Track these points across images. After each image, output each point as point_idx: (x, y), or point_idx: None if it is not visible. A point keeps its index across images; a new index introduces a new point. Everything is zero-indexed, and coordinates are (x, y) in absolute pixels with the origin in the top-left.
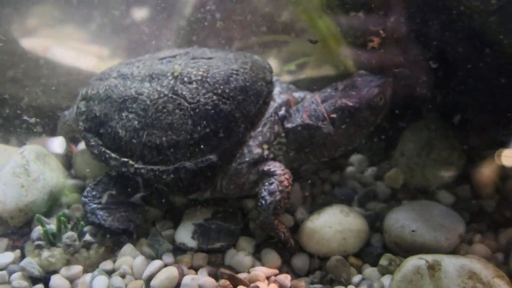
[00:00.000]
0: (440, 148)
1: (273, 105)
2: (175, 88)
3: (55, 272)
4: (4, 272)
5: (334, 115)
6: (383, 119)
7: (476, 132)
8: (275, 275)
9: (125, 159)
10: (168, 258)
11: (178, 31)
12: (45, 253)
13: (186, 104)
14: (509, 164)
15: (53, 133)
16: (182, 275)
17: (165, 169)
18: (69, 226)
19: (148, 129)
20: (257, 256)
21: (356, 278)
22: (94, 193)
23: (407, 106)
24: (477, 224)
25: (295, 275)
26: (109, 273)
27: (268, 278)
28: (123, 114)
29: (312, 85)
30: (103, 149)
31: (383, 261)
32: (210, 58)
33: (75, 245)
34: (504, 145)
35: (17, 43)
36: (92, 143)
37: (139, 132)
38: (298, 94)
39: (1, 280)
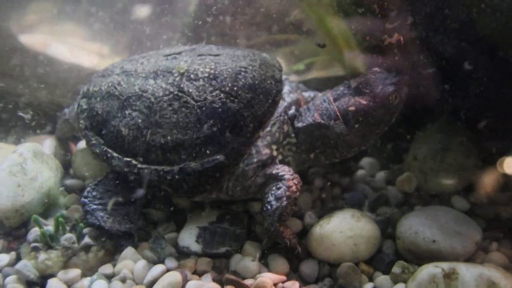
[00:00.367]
0: (455, 153)
1: (282, 104)
2: (181, 85)
3: (52, 275)
4: None
5: (347, 114)
6: (396, 120)
7: (494, 137)
8: (283, 282)
9: (128, 159)
10: (171, 262)
11: (182, 29)
12: (42, 256)
13: (193, 102)
14: (496, 171)
15: (52, 131)
16: (185, 280)
17: (169, 169)
18: (68, 227)
19: (153, 127)
20: (264, 261)
21: (368, 286)
22: (94, 193)
23: (421, 108)
24: (493, 232)
25: (304, 282)
26: (109, 277)
27: (275, 285)
28: (126, 112)
29: (320, 85)
30: (105, 148)
31: (396, 269)
32: (217, 55)
33: (74, 247)
34: None
35: (15, 38)
36: (94, 142)
37: (143, 130)
38: (308, 94)
39: None
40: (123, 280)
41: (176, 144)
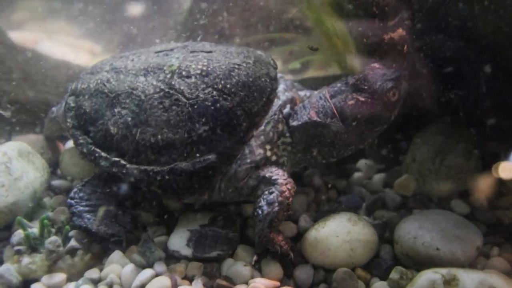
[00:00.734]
0: (455, 155)
1: (277, 102)
2: (172, 83)
3: (36, 280)
4: None
5: (344, 112)
6: (395, 120)
7: (496, 138)
8: None
9: (116, 159)
10: (160, 267)
11: (176, 27)
12: (26, 259)
13: (184, 99)
14: (497, 174)
15: (40, 129)
16: (175, 285)
17: (159, 169)
18: (53, 230)
19: (142, 126)
20: (257, 266)
21: None
22: (81, 194)
23: (420, 109)
24: (494, 236)
25: None
26: (95, 282)
27: None
28: (115, 110)
29: (317, 85)
30: (93, 147)
31: (394, 275)
32: (210, 52)
33: (59, 251)
34: None
35: (4, 34)
36: (81, 141)
37: (132, 129)
38: (303, 93)
39: None
40: (110, 285)
41: (167, 143)
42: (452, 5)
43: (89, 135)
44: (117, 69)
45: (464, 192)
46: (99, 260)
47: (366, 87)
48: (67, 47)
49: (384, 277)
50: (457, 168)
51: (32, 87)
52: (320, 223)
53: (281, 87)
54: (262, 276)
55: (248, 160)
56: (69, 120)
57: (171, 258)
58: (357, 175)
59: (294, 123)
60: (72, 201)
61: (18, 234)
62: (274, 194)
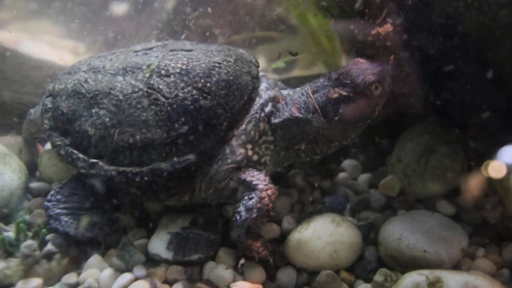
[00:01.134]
0: (441, 155)
1: (259, 101)
2: (151, 82)
3: (11, 285)
4: None
5: (326, 107)
6: (380, 119)
7: (482, 138)
8: None
9: (94, 160)
10: (140, 270)
11: (160, 26)
12: (1, 264)
13: (163, 99)
14: (496, 176)
15: (18, 131)
16: None
17: (138, 171)
18: (30, 234)
19: (121, 126)
20: (241, 271)
21: None
22: (58, 197)
23: (405, 108)
24: (480, 237)
25: None
26: (73, 287)
27: None
28: (93, 111)
29: (301, 84)
30: (70, 149)
31: (378, 277)
32: (190, 51)
33: (35, 255)
34: None
35: None
36: (58, 143)
37: (110, 130)
38: (286, 92)
39: None
40: None
41: (146, 143)
42: (437, 2)
43: (66, 136)
44: (95, 69)
45: (449, 192)
46: (77, 264)
47: (348, 81)
48: (50, 46)
49: (368, 279)
50: (442, 168)
51: (10, 87)
52: (304, 225)
53: (263, 85)
54: (244, 279)
55: (229, 160)
56: (46, 121)
57: (151, 261)
58: (342, 175)
59: (276, 121)
60: (49, 204)
61: None
62: (253, 200)
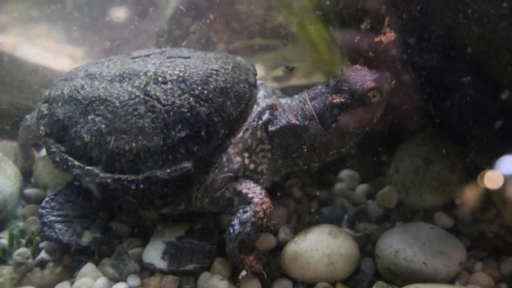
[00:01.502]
0: (439, 166)
1: (256, 109)
2: (148, 89)
3: None
4: None
5: (323, 114)
6: (378, 130)
7: (480, 149)
8: None
9: (90, 167)
10: (134, 280)
11: (159, 33)
12: None
13: (160, 106)
14: (493, 187)
15: (14, 136)
16: None
17: (134, 178)
18: (23, 241)
19: (117, 133)
20: (234, 280)
21: None
22: (53, 204)
23: (404, 119)
24: (478, 251)
25: None
26: None
27: None
28: (89, 117)
29: (299, 92)
30: (66, 156)
31: None
32: (187, 58)
33: (28, 263)
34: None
35: None
36: (54, 150)
37: (106, 137)
38: (284, 100)
39: None
40: None
41: (142, 151)
42: (436, 13)
43: (62, 143)
44: (91, 76)
45: (447, 204)
46: (70, 273)
47: (346, 88)
48: (48, 51)
49: None
50: (440, 180)
51: (7, 92)
52: (300, 236)
53: (261, 93)
54: None
55: (226, 169)
56: (41, 128)
57: (145, 271)
58: (339, 185)
59: (273, 128)
60: (43, 211)
61: None
62: (247, 214)
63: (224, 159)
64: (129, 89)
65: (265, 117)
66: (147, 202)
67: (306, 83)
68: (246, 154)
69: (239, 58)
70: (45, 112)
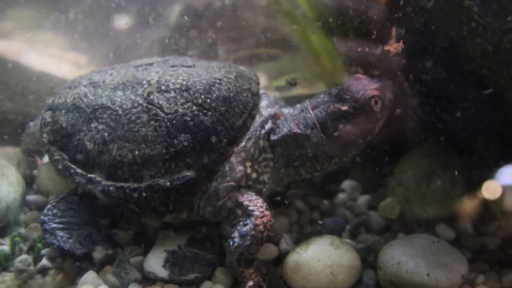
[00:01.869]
0: (442, 179)
1: (259, 118)
2: (151, 97)
3: None
4: None
5: (325, 122)
6: (381, 141)
7: (483, 162)
8: None
9: (92, 175)
10: None
11: (162, 41)
12: None
13: (163, 114)
14: (491, 197)
15: (16, 142)
16: None
17: (136, 186)
18: (25, 248)
19: (119, 141)
20: None
21: None
22: (55, 211)
23: (406, 131)
24: (479, 264)
25: None
26: None
27: None
28: (92, 125)
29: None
30: (68, 163)
31: None
32: (191, 66)
33: (29, 270)
34: None
35: None
36: (56, 157)
37: (109, 145)
38: (287, 110)
39: None
40: None
41: (144, 159)
42: (440, 26)
43: (65, 151)
44: (95, 84)
45: (449, 217)
46: (71, 280)
47: (348, 97)
48: (52, 58)
49: None
50: (443, 192)
51: (10, 98)
52: (302, 247)
53: (263, 103)
54: None
55: (228, 178)
56: (45, 135)
57: (146, 280)
58: (341, 196)
59: (275, 137)
60: (45, 218)
61: None
62: (248, 227)
63: (227, 168)
64: (132, 97)
65: (268, 126)
66: (149, 210)
67: (308, 93)
68: (248, 163)
69: (242, 68)
70: (48, 119)
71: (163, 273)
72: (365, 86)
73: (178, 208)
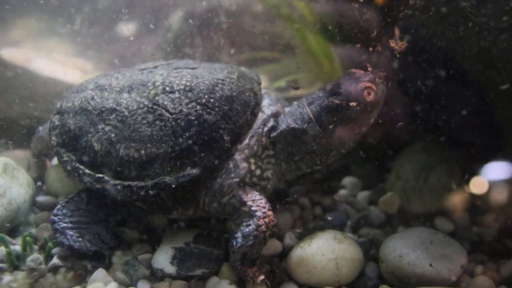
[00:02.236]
0: (439, 173)
1: (261, 116)
2: (156, 98)
3: None
4: None
5: (320, 116)
6: (379, 137)
7: (480, 157)
8: None
9: (100, 175)
10: (144, 285)
11: (165, 46)
12: (7, 278)
13: (168, 114)
14: (479, 192)
15: (27, 145)
16: None
17: (143, 185)
18: (36, 247)
19: (126, 142)
20: (242, 285)
21: None
22: (65, 211)
23: (405, 126)
24: (478, 254)
25: None
26: None
27: None
28: (99, 127)
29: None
30: (77, 164)
31: None
32: (194, 68)
33: (40, 268)
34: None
35: None
36: (65, 159)
37: (116, 145)
38: (288, 110)
39: None
40: None
41: (150, 158)
42: (437, 26)
43: (73, 152)
44: (101, 87)
45: (447, 209)
46: (82, 278)
47: (341, 90)
48: (59, 64)
49: None
50: (440, 186)
51: (20, 102)
52: (306, 241)
53: (265, 101)
54: None
55: (233, 175)
56: (53, 138)
57: (155, 276)
58: (342, 192)
59: (274, 134)
60: (55, 218)
61: (0, 251)
62: (250, 228)
63: (231, 165)
64: (138, 99)
65: (270, 124)
66: (156, 208)
67: (308, 93)
68: (252, 160)
69: (243, 69)
70: (57, 123)
71: (171, 269)
72: (357, 79)
73: (184, 204)
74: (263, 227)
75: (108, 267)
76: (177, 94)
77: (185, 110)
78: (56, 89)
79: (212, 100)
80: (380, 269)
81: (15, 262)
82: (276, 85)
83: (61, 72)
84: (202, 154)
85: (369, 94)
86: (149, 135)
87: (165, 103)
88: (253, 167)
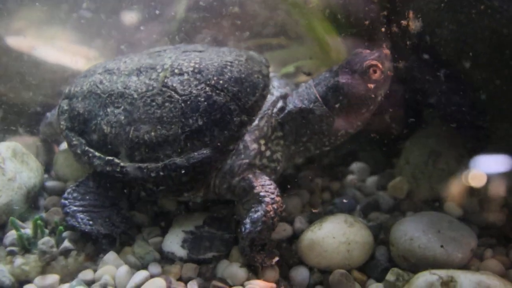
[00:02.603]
0: (447, 157)
1: (270, 98)
2: (165, 80)
3: (28, 281)
4: None
5: (326, 95)
6: (388, 122)
7: (489, 141)
8: None
9: (110, 158)
10: (155, 268)
11: (170, 34)
12: (19, 260)
13: (177, 96)
14: (477, 185)
15: (35, 131)
16: (170, 287)
17: (154, 166)
18: (47, 231)
19: (136, 124)
20: (252, 268)
21: None
22: (75, 194)
23: (414, 111)
24: (487, 238)
25: None
26: (89, 283)
27: None
28: (108, 110)
29: None
30: (86, 148)
31: (390, 276)
32: (202, 51)
33: (52, 252)
34: None
35: (1, 39)
36: (75, 142)
37: (126, 127)
38: (296, 91)
39: None
40: (104, 287)
41: (161, 140)
42: (448, 8)
43: (82, 136)
44: (110, 71)
45: (456, 194)
46: (93, 261)
47: (347, 70)
48: (63, 52)
49: (380, 278)
50: (449, 171)
51: (27, 89)
52: (316, 225)
53: (274, 83)
54: (258, 277)
55: (243, 155)
56: (62, 122)
57: (165, 259)
58: (350, 177)
59: (282, 114)
60: (66, 201)
61: (11, 235)
62: (259, 213)
63: (241, 146)
64: (147, 81)
65: (279, 105)
66: (167, 189)
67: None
68: (262, 141)
69: (251, 52)
70: (66, 107)
71: (181, 252)
72: (363, 58)
73: (195, 186)
74: (271, 213)
75: (118, 250)
76: (186, 76)
77: (194, 91)
78: (63, 75)
79: (221, 81)
80: (391, 253)
81: (26, 246)
82: (284, 71)
83: (68, 59)
84: (212, 135)
85: (374, 72)
86: (158, 117)
87: (174, 85)
88: (263, 148)
